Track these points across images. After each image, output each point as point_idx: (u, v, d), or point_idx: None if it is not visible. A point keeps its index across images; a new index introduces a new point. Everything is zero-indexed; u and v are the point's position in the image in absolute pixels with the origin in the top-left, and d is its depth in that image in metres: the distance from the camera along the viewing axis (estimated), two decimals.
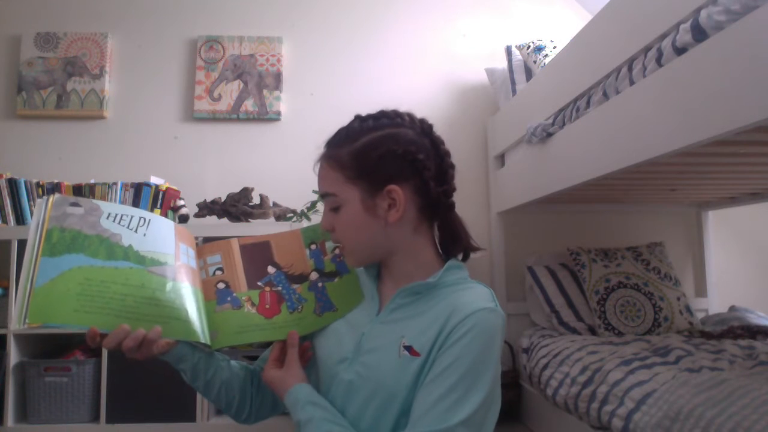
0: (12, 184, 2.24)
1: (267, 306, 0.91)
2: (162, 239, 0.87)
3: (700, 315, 2.46)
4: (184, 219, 2.24)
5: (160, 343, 0.79)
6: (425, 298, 0.84)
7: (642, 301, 2.23)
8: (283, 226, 2.03)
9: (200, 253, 0.94)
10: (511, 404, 2.29)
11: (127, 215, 0.86)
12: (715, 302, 2.60)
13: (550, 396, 1.95)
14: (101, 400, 2.02)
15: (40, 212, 0.80)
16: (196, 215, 2.23)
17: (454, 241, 0.89)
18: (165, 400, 1.99)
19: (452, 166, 0.90)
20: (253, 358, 1.03)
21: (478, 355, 0.76)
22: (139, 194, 2.26)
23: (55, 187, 2.26)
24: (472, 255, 0.92)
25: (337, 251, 0.97)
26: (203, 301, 0.88)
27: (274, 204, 2.28)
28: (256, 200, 2.26)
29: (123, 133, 2.62)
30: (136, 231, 0.85)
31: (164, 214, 2.27)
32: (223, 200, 2.24)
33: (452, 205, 0.89)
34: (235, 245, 0.96)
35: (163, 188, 2.29)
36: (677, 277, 2.38)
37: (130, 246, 0.83)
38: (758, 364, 1.58)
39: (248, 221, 2.19)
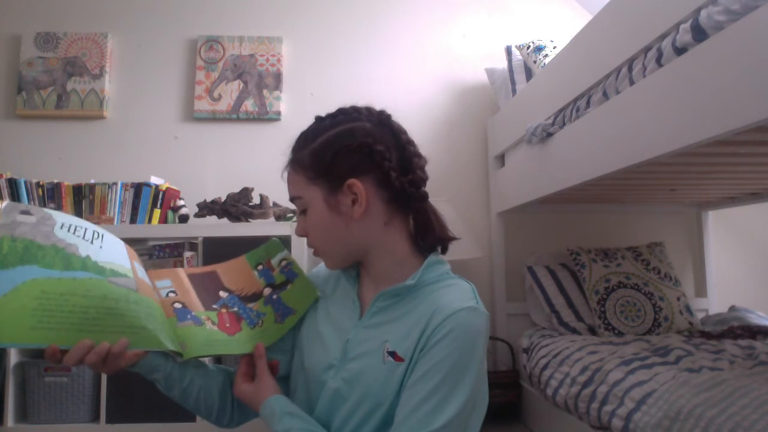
0: (12, 184, 2.24)
1: (227, 325, 0.88)
2: (116, 254, 0.83)
3: (700, 315, 2.46)
4: (184, 219, 2.24)
5: (128, 354, 0.76)
6: (406, 300, 0.82)
7: (642, 301, 2.23)
8: (283, 226, 2.03)
9: (149, 278, 0.89)
10: (511, 404, 2.29)
11: (81, 227, 0.80)
12: (715, 302, 2.59)
13: (550, 396, 1.95)
14: (101, 400, 2.02)
15: None
16: (196, 215, 2.23)
17: (426, 233, 0.87)
18: (165, 400, 1.96)
19: (417, 155, 0.87)
20: None
21: (460, 356, 0.75)
22: (139, 194, 2.26)
23: (55, 187, 2.26)
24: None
25: (283, 263, 0.96)
26: (164, 317, 0.84)
27: (274, 204, 2.28)
28: (256, 200, 2.25)
29: (123, 133, 2.62)
30: (92, 243, 0.79)
31: (164, 214, 2.28)
32: (223, 200, 2.24)
33: (424, 196, 0.87)
34: (183, 274, 0.92)
35: (163, 188, 2.29)
36: (677, 277, 2.38)
37: (87, 256, 0.77)
38: (758, 364, 1.57)
39: (248, 221, 2.19)
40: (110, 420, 2.01)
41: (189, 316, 0.86)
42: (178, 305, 0.87)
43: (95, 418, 2.06)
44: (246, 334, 0.88)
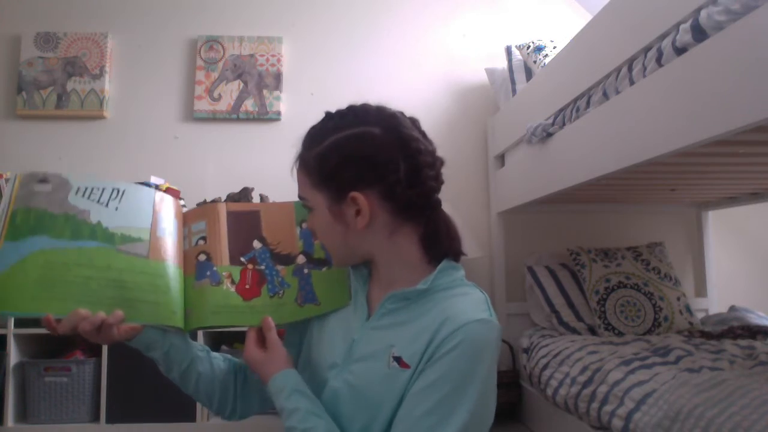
0: None
1: (247, 286, 0.86)
2: (136, 212, 0.82)
3: (700, 315, 2.46)
4: None
5: (123, 327, 0.76)
6: (416, 304, 0.79)
7: (642, 301, 2.23)
8: None
9: (186, 220, 0.89)
10: (511, 404, 2.29)
11: (98, 188, 0.80)
12: (715, 302, 2.59)
13: (550, 396, 1.95)
14: (101, 400, 2.02)
15: (7, 193, 0.75)
16: None
17: (434, 242, 0.83)
18: (165, 400, 1.99)
19: (427, 165, 0.81)
20: None
21: (467, 370, 0.72)
22: None
23: None
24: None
25: None
26: (181, 276, 0.84)
27: None
28: (256, 200, 2.26)
29: (123, 133, 2.62)
30: (106, 205, 0.80)
31: None
32: (223, 200, 2.24)
33: (434, 205, 0.83)
34: (222, 210, 0.90)
35: (163, 188, 2.29)
36: (677, 277, 2.38)
37: (98, 223, 0.78)
38: (758, 364, 1.57)
39: None
40: (110, 420, 2.02)
41: (209, 273, 0.85)
42: (202, 257, 0.86)
43: (95, 418, 2.06)
44: (262, 302, 0.86)
